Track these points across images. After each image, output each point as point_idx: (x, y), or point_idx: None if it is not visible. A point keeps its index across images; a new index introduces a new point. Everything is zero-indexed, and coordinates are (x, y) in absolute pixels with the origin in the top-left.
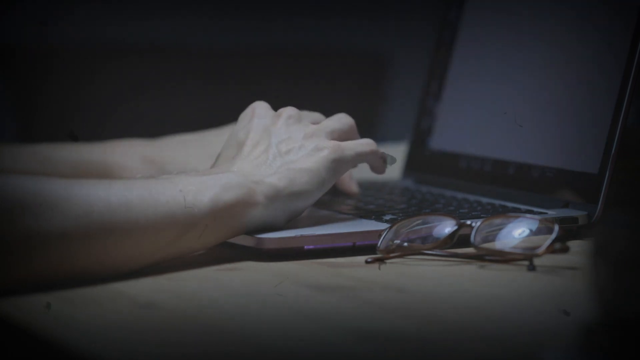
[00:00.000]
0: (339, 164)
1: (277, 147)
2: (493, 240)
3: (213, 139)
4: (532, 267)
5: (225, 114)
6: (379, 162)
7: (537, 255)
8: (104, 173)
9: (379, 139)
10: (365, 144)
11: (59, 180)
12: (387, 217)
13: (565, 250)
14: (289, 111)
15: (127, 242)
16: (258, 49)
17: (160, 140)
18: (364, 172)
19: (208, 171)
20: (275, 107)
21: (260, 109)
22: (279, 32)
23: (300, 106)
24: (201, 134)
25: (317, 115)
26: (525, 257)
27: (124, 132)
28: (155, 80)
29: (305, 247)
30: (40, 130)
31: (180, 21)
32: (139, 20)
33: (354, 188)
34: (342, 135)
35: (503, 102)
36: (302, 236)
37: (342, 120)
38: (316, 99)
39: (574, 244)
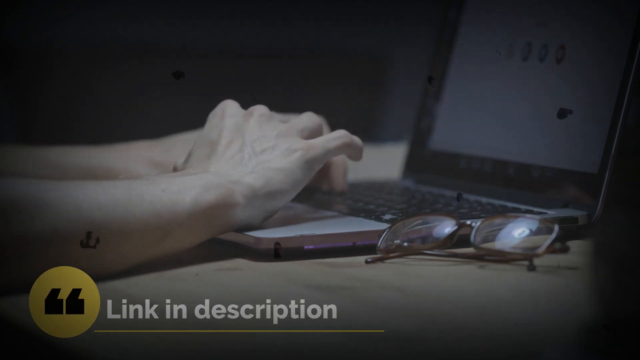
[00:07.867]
0: (313, 164)
1: (252, 146)
2: (493, 240)
3: None
4: (532, 267)
5: None
6: (354, 152)
7: (537, 255)
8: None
9: (379, 139)
10: (336, 138)
11: (50, 181)
12: (387, 217)
13: (565, 250)
14: (260, 109)
15: (117, 240)
16: (258, 49)
17: (165, 140)
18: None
19: (186, 171)
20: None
21: (230, 107)
22: (279, 33)
23: (301, 107)
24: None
25: (286, 116)
26: (525, 257)
27: (125, 132)
28: (156, 80)
29: (305, 247)
30: (41, 131)
31: (180, 21)
32: (140, 21)
33: (343, 186)
34: (312, 134)
35: (503, 102)
36: (302, 236)
37: (311, 118)
38: (316, 100)
39: (574, 244)
